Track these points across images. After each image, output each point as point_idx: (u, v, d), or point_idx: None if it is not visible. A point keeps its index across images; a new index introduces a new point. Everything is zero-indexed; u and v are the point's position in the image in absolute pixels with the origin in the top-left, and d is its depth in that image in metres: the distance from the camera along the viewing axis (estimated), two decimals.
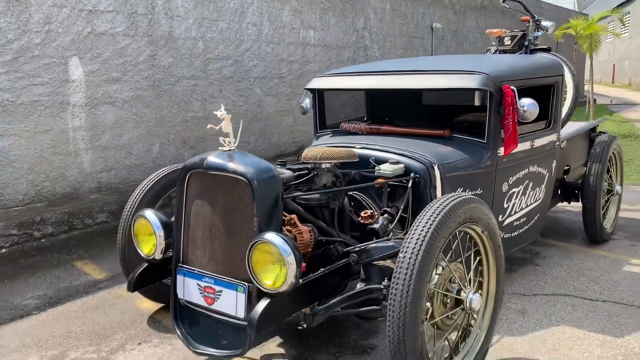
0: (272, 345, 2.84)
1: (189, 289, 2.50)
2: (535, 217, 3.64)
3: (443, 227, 2.17)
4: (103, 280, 3.80)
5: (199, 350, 2.42)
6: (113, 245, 4.47)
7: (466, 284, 2.42)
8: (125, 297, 3.49)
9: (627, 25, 31.56)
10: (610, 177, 4.44)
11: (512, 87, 2.99)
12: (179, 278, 2.54)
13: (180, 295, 2.54)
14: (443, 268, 2.31)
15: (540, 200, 3.63)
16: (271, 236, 2.17)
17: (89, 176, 5.47)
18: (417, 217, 2.24)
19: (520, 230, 3.50)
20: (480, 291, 2.49)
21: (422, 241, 2.11)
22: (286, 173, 2.65)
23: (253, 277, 2.20)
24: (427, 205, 2.28)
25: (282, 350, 2.79)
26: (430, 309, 2.26)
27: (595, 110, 12.65)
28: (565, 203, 4.49)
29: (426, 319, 2.20)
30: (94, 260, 4.21)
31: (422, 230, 2.15)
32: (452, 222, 2.22)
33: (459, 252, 2.42)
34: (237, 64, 6.82)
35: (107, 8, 5.43)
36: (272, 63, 7.36)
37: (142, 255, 2.67)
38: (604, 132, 4.61)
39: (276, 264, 2.17)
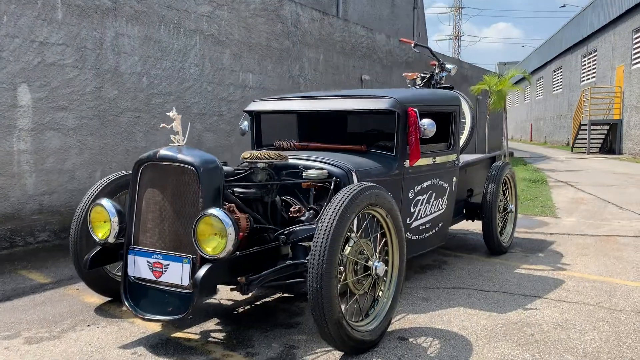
0: (211, 324, 3.22)
1: (138, 266, 2.88)
2: (439, 225, 4.26)
3: (351, 205, 2.70)
4: (49, 284, 4.05)
5: (147, 317, 2.78)
6: (56, 259, 4.75)
7: (373, 255, 2.94)
8: (72, 294, 3.76)
9: (540, 89, 34.72)
10: (506, 197, 5.18)
11: (415, 110, 3.65)
12: (130, 258, 2.91)
13: (130, 273, 2.91)
14: (354, 242, 2.83)
15: (443, 211, 4.26)
16: (215, 211, 2.62)
17: (32, 198, 5.67)
18: (331, 199, 2.77)
19: (426, 235, 4.10)
20: (385, 260, 3.02)
21: (335, 215, 2.63)
22: (227, 169, 3.13)
23: (197, 246, 2.63)
24: (340, 191, 2.81)
25: (219, 327, 3.18)
26: (344, 273, 2.76)
27: (512, 162, 13.93)
28: (470, 222, 5.20)
29: (340, 280, 2.69)
30: (38, 270, 4.43)
31: (335, 207, 2.66)
32: (359, 203, 2.75)
33: (368, 233, 2.96)
34: (179, 100, 7.29)
35: (58, 41, 5.82)
36: (212, 101, 7.89)
37: (96, 240, 3.03)
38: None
39: (217, 235, 2.62)
